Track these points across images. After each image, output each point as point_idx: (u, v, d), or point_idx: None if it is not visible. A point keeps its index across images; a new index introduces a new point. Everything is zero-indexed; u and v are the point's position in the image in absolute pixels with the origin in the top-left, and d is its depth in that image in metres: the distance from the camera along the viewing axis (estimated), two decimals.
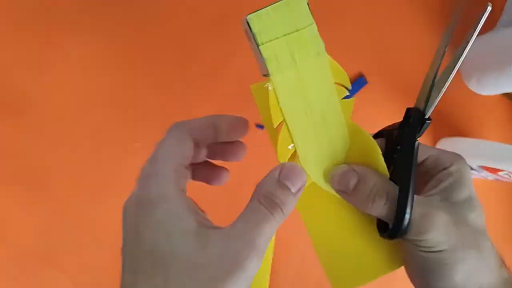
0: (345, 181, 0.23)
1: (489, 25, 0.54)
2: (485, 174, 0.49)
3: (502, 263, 0.24)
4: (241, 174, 0.50)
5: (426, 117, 0.24)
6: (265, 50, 0.22)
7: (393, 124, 0.26)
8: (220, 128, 0.24)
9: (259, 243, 0.19)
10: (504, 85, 0.50)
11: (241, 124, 0.25)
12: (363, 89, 0.52)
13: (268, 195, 0.20)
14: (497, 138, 0.56)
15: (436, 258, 0.21)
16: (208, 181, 0.27)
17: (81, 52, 0.48)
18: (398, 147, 0.24)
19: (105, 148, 0.49)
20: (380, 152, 0.23)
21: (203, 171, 0.27)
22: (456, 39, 0.59)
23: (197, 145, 0.23)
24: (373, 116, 0.53)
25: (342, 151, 0.24)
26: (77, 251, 0.48)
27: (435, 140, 0.54)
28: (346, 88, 0.25)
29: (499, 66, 0.48)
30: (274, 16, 0.22)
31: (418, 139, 0.23)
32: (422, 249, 0.21)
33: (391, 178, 0.23)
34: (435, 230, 0.20)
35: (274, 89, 0.22)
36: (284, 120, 0.23)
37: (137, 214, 0.19)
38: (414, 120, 0.24)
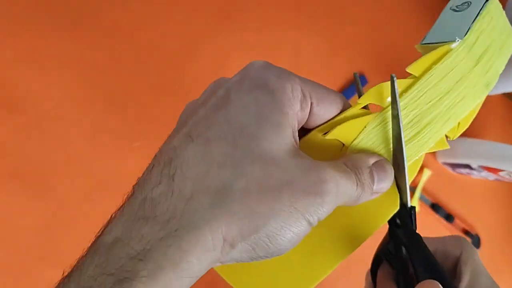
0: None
1: None
2: (485, 174, 0.49)
3: None
4: None
5: (409, 206, 0.22)
6: (477, 27, 0.20)
7: (382, 242, 0.25)
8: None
9: (342, 186, 0.17)
10: (504, 85, 0.50)
11: None
12: (362, 89, 0.52)
13: (357, 169, 0.18)
14: (497, 138, 0.56)
15: None
16: None
17: (81, 52, 0.48)
18: (404, 252, 0.22)
19: (105, 147, 0.49)
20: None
21: None
22: None
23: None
24: None
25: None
26: (77, 250, 0.48)
27: None
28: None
29: None
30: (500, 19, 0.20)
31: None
32: None
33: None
34: None
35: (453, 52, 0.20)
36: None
37: (251, 85, 0.17)
38: (402, 218, 0.22)
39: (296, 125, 0.18)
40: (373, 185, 0.19)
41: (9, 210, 0.47)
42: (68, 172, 0.48)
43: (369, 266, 0.26)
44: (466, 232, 0.54)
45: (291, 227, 0.16)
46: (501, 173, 0.46)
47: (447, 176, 0.54)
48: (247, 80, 0.17)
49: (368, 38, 0.53)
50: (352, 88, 0.52)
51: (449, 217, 0.53)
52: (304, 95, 0.18)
